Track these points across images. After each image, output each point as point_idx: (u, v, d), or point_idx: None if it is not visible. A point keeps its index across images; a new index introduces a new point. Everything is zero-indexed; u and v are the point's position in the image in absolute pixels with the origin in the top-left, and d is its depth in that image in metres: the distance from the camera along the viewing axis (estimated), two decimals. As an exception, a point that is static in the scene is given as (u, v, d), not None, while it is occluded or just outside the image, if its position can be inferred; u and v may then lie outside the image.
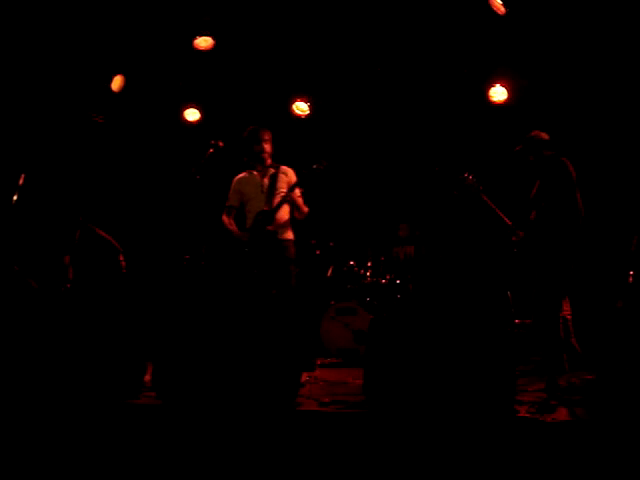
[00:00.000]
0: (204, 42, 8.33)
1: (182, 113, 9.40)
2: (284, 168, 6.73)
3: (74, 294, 7.28)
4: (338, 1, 7.92)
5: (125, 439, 4.78)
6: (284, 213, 6.59)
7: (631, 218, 7.51)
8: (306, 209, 6.62)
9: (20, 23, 7.85)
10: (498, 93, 8.49)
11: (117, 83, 8.61)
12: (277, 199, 6.54)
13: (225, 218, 6.74)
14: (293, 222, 6.72)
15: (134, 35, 8.25)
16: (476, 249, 8.97)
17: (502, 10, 7.25)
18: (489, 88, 8.50)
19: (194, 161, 6.77)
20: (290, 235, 6.67)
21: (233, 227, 6.69)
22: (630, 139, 8.11)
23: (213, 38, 8.32)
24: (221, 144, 6.76)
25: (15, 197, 6.74)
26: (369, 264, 8.58)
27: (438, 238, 8.92)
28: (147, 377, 5.49)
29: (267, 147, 6.68)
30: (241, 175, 6.81)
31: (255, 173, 6.73)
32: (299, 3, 7.99)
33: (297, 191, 6.55)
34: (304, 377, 6.18)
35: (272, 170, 6.70)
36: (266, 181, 6.65)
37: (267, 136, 6.69)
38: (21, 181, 6.77)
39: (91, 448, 4.71)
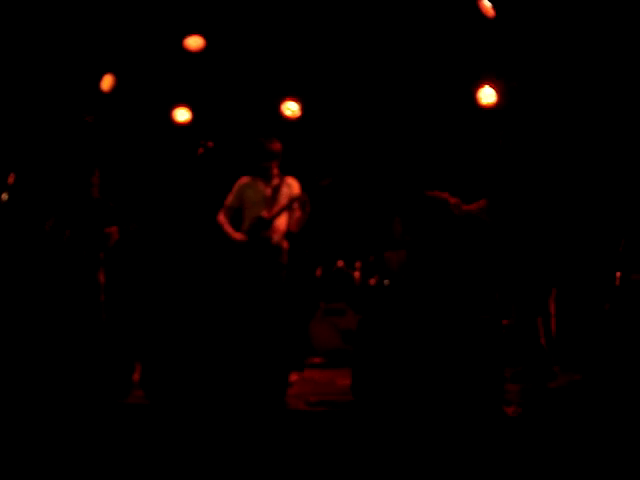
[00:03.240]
0: (194, 42, 8.33)
1: (172, 113, 9.38)
2: (289, 180, 6.66)
3: (62, 294, 7.26)
4: (329, 2, 7.93)
5: (114, 439, 4.77)
6: (281, 223, 6.56)
7: (619, 220, 7.53)
8: (299, 226, 6.58)
9: (9, 22, 7.83)
10: (487, 95, 8.52)
11: (107, 83, 8.59)
12: (276, 209, 6.50)
13: (221, 217, 6.69)
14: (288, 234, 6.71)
15: (124, 35, 8.23)
16: (464, 250, 8.99)
17: (491, 13, 7.28)
18: (478, 90, 8.52)
19: (184, 161, 6.76)
20: (285, 244, 6.62)
21: (229, 228, 6.63)
22: (620, 141, 8.13)
23: (203, 38, 8.32)
24: (211, 144, 6.75)
25: (5, 196, 6.71)
26: (358, 265, 8.59)
27: (427, 238, 8.92)
28: (136, 377, 5.49)
29: (273, 164, 6.62)
30: (245, 180, 6.74)
31: (259, 181, 6.66)
32: (289, 4, 8.01)
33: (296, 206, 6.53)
34: (293, 377, 6.20)
35: (276, 181, 6.63)
36: (269, 191, 6.58)
37: (274, 149, 6.62)
38: (11, 180, 6.75)
39: (79, 448, 4.71)
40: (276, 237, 6.54)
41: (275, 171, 6.65)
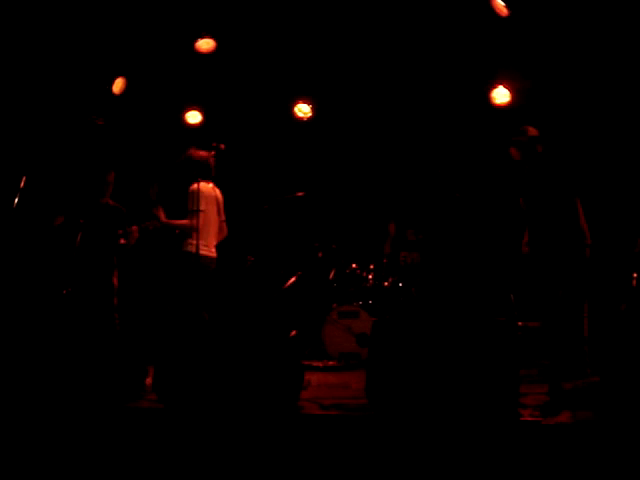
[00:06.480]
0: (206, 44, 8.32)
1: (183, 116, 9.38)
2: None
3: (75, 297, 7.25)
4: (340, 4, 7.91)
5: (127, 442, 4.76)
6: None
7: (635, 220, 7.48)
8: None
9: (21, 25, 7.85)
10: (500, 95, 8.48)
11: (118, 85, 8.59)
12: None
13: None
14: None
15: (135, 37, 8.24)
16: (479, 251, 8.94)
17: (505, 12, 7.24)
18: (491, 90, 8.48)
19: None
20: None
21: None
22: (635, 140, 8.08)
23: (215, 40, 8.31)
24: (222, 147, 6.74)
25: (16, 200, 6.71)
26: (371, 267, 8.55)
27: (441, 240, 8.87)
28: (149, 380, 5.47)
29: None
30: None
31: None
32: (300, 5, 7.99)
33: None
34: (306, 380, 6.17)
35: None
36: None
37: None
38: (22, 184, 6.75)
39: (93, 451, 4.70)
40: None
41: None
